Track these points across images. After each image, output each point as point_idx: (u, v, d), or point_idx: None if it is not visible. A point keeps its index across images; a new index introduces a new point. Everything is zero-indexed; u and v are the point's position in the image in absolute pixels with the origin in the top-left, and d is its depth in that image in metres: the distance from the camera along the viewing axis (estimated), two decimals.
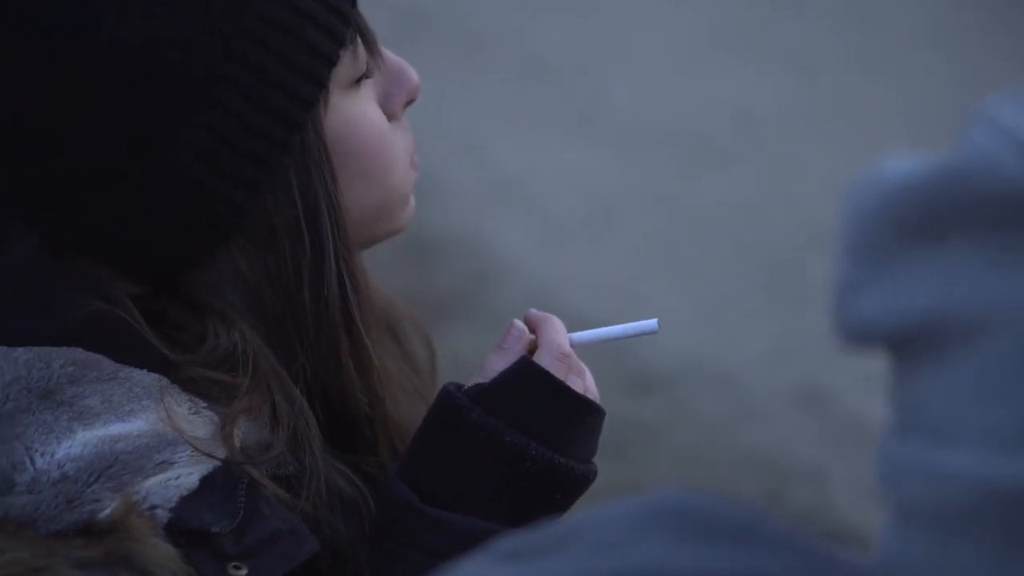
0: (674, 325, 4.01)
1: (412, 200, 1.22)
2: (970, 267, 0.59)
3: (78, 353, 1.07)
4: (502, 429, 1.13)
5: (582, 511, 0.63)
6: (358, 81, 1.15)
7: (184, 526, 1.03)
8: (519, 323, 1.19)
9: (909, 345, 0.60)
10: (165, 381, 1.08)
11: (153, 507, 1.03)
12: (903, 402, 0.62)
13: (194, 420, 1.08)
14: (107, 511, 1.02)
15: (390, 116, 1.18)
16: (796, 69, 5.78)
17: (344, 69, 1.13)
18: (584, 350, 1.20)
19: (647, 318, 1.23)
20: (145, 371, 1.08)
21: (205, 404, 1.09)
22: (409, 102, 1.20)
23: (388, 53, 1.19)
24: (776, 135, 5.29)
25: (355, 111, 1.15)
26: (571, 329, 1.21)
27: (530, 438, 1.13)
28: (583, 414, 1.16)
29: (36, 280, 1.10)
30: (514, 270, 4.26)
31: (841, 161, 4.87)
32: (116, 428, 1.05)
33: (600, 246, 4.46)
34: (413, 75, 1.19)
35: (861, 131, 5.23)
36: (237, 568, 1.03)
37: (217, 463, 1.06)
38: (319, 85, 1.11)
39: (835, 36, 5.96)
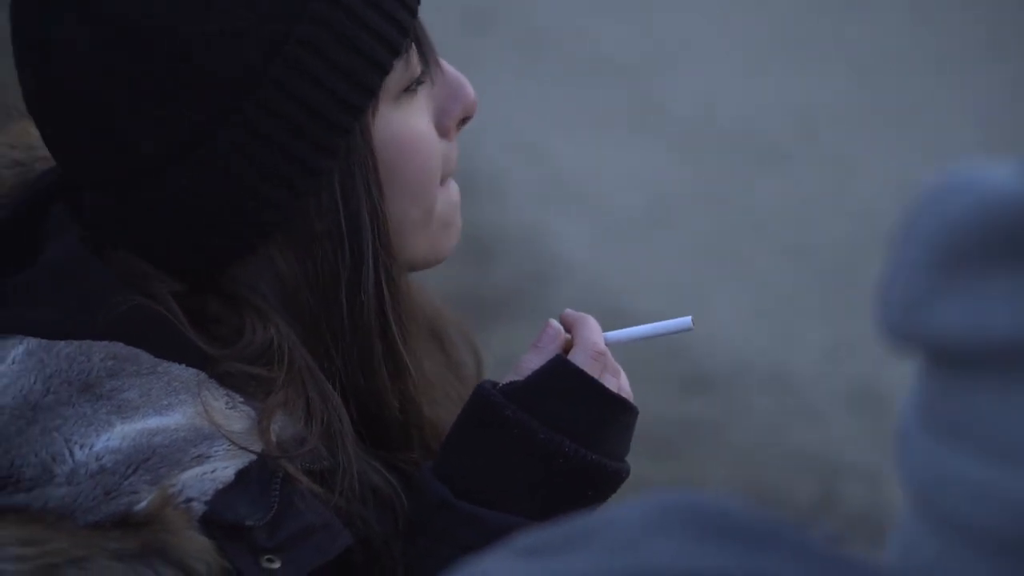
0: (730, 325, 4.01)
1: (457, 223, 1.22)
2: None
3: (118, 347, 1.08)
4: (536, 427, 1.14)
5: (602, 510, 0.64)
6: (410, 89, 1.15)
7: (219, 519, 1.04)
8: (555, 322, 1.20)
9: (981, 362, 0.59)
10: (203, 376, 1.10)
11: (189, 500, 1.04)
12: (956, 414, 0.61)
13: (231, 414, 1.09)
14: (143, 503, 1.03)
15: (443, 132, 1.19)
16: (856, 70, 5.75)
17: (397, 77, 1.13)
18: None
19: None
20: (183, 366, 1.09)
21: (242, 399, 1.10)
22: (465, 119, 1.20)
23: (447, 66, 1.18)
24: (835, 136, 5.26)
25: (405, 123, 1.15)
26: (608, 328, 1.22)
27: (563, 435, 1.14)
28: (617, 413, 1.17)
29: (78, 275, 1.11)
30: (571, 269, 4.26)
31: (900, 162, 4.85)
32: (154, 422, 1.06)
33: (657, 246, 4.46)
34: (470, 91, 1.19)
35: (920, 132, 5.19)
36: (271, 561, 1.04)
37: (253, 457, 1.07)
38: (369, 93, 1.11)
39: (896, 37, 5.93)
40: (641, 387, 4.05)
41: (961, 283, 0.59)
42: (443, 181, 1.20)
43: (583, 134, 5.18)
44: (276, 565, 1.05)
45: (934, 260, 0.60)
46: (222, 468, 1.06)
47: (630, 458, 1.21)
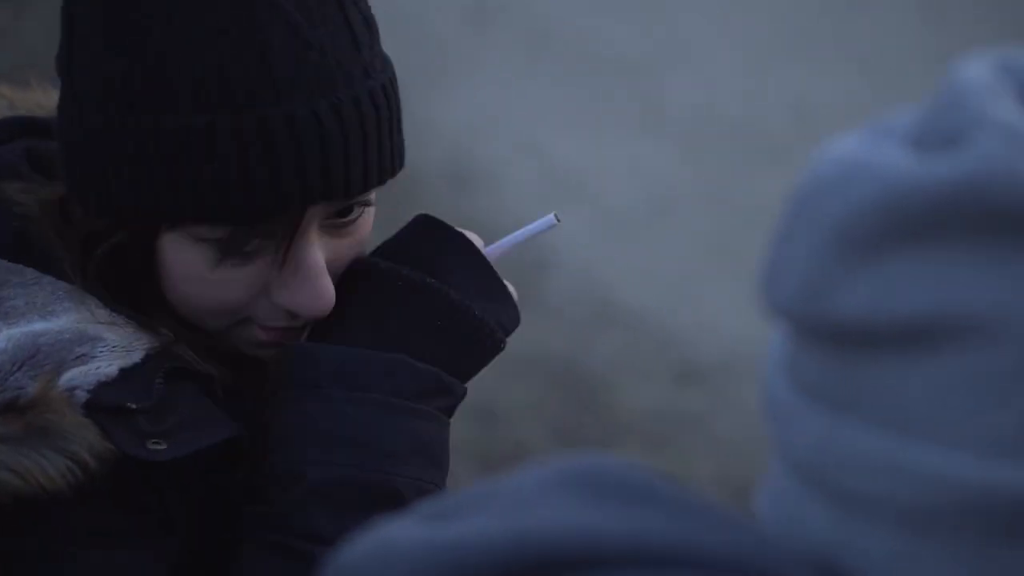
0: (728, 320, 4.01)
1: (251, 350, 1.22)
2: (972, 270, 0.59)
3: (2, 262, 1.14)
4: (373, 260, 1.20)
5: (506, 477, 0.67)
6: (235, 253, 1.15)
7: (101, 404, 1.09)
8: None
9: (881, 341, 0.61)
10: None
11: (72, 388, 1.09)
12: (853, 390, 0.62)
13: (116, 319, 1.14)
14: (29, 393, 1.08)
15: (270, 302, 1.18)
16: (858, 66, 5.74)
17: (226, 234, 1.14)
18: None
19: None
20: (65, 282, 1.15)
21: (122, 316, 1.15)
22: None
23: (313, 262, 1.16)
24: (837, 131, 5.23)
25: (186, 259, 1.15)
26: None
27: (401, 264, 1.19)
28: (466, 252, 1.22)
29: None
30: (571, 264, 4.27)
31: None
32: (39, 325, 1.11)
33: (658, 241, 4.47)
34: (312, 303, 1.17)
35: None
36: (156, 443, 1.09)
37: (136, 359, 1.12)
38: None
39: (897, 33, 5.92)
40: (634, 379, 4.06)
41: (865, 266, 0.60)
42: (243, 326, 1.20)
43: (584, 130, 5.18)
44: (162, 447, 1.09)
45: (837, 243, 0.61)
46: (106, 366, 1.11)
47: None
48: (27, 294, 1.13)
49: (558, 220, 1.26)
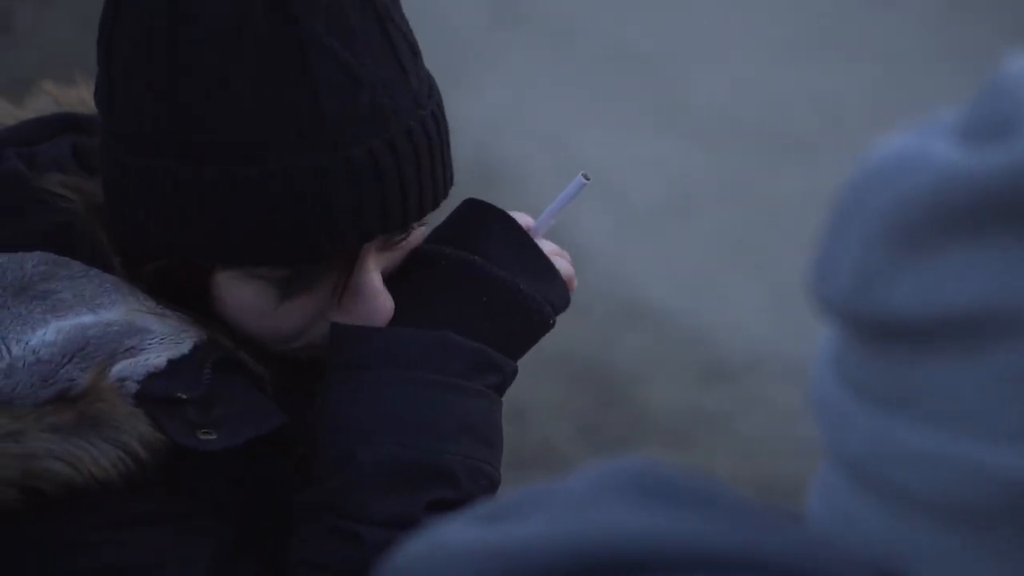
0: (750, 316, 4.01)
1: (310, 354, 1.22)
2: (1022, 262, 0.58)
3: (49, 256, 1.14)
4: (428, 246, 1.20)
5: (557, 480, 0.67)
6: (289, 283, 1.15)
7: (152, 394, 1.09)
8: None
9: (936, 336, 0.60)
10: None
11: (123, 379, 1.09)
12: (908, 388, 0.61)
13: (164, 311, 1.14)
14: (80, 384, 1.08)
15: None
16: (882, 61, 5.72)
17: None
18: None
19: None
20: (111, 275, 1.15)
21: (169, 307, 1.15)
22: None
23: (372, 286, 1.17)
24: (861, 128, 5.23)
25: (245, 296, 1.16)
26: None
27: (446, 244, 1.20)
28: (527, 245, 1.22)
29: (14, 190, 1.17)
30: (592, 259, 4.26)
31: None
32: (88, 318, 1.11)
33: (679, 237, 4.46)
34: (376, 324, 1.17)
35: None
36: (207, 433, 1.10)
37: (185, 351, 1.12)
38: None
39: (923, 28, 5.90)
40: (657, 378, 4.06)
41: (916, 259, 0.60)
42: (307, 346, 1.20)
43: (607, 125, 5.18)
44: (212, 436, 1.10)
45: (888, 237, 0.60)
46: (155, 357, 1.11)
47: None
48: (74, 287, 1.13)
49: (587, 179, 1.26)
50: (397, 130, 1.11)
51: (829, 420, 0.64)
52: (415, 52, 1.15)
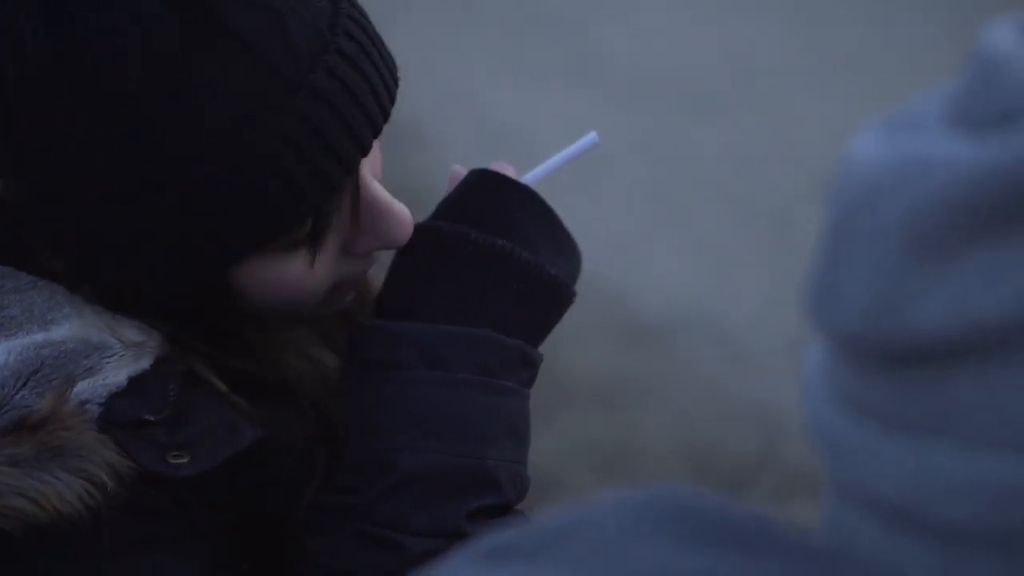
0: (669, 274, 3.98)
1: (339, 308, 1.16)
2: None
3: None
4: (438, 225, 1.14)
5: (573, 506, 0.58)
6: (297, 243, 1.07)
7: (116, 418, 1.01)
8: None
9: (957, 352, 0.54)
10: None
11: (84, 403, 1.01)
12: (936, 412, 0.55)
13: (121, 321, 1.06)
14: (40, 411, 0.99)
15: (353, 254, 1.11)
16: (795, 18, 5.73)
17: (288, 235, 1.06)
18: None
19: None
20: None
21: (124, 316, 1.07)
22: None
23: (383, 198, 1.10)
24: (775, 84, 5.24)
25: (274, 272, 1.07)
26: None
27: (469, 226, 1.13)
28: (530, 201, 1.16)
29: None
30: None
31: (840, 110, 4.82)
32: (40, 336, 1.02)
33: (595, 195, 4.42)
34: (400, 233, 1.11)
35: (860, 80, 5.18)
36: (177, 456, 1.01)
37: (145, 366, 1.04)
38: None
39: None
40: (580, 342, 4.00)
41: (942, 271, 0.54)
42: (335, 292, 1.13)
43: (520, 85, 5.14)
44: (184, 459, 1.02)
45: (909, 251, 0.54)
46: (114, 375, 1.03)
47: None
48: (22, 301, 1.04)
49: (598, 139, 1.20)
50: (338, 36, 1.04)
51: (841, 458, 0.57)
52: None
